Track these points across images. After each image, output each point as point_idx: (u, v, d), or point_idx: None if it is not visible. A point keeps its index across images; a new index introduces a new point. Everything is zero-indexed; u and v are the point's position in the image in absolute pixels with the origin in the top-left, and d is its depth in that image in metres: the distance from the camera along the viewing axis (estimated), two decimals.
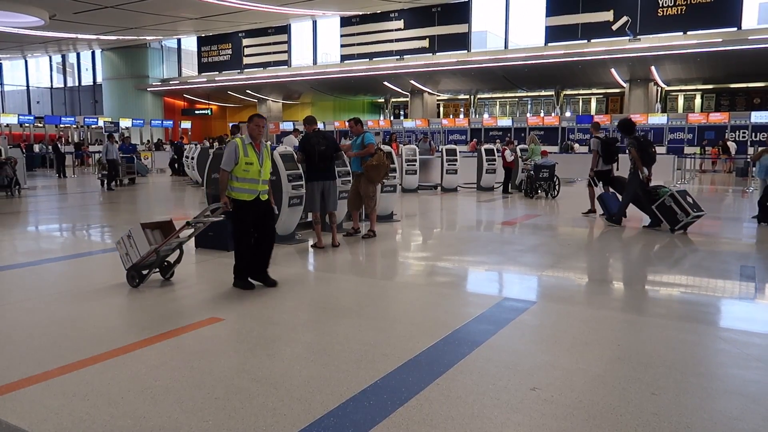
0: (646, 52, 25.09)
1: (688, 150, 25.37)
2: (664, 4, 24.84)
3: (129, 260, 5.37)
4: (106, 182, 16.46)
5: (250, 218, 5.31)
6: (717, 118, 27.46)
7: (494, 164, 15.09)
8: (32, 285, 5.76)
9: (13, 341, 4.05)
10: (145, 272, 5.43)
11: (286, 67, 34.65)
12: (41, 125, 32.75)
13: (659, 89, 30.92)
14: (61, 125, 33.31)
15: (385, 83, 33.27)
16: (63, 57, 43.66)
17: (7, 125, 31.10)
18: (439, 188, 15.46)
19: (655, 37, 25.13)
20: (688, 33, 24.67)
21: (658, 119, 28.27)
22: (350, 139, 8.43)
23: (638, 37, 25.30)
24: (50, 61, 44.29)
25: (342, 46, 32.65)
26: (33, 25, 26.05)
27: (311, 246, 7.49)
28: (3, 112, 38.72)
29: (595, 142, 10.21)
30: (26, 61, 44.08)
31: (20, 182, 15.29)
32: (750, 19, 24.74)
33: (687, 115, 28.34)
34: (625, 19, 25.45)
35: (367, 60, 31.90)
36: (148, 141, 33.49)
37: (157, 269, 5.56)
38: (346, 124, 8.23)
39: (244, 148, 5.27)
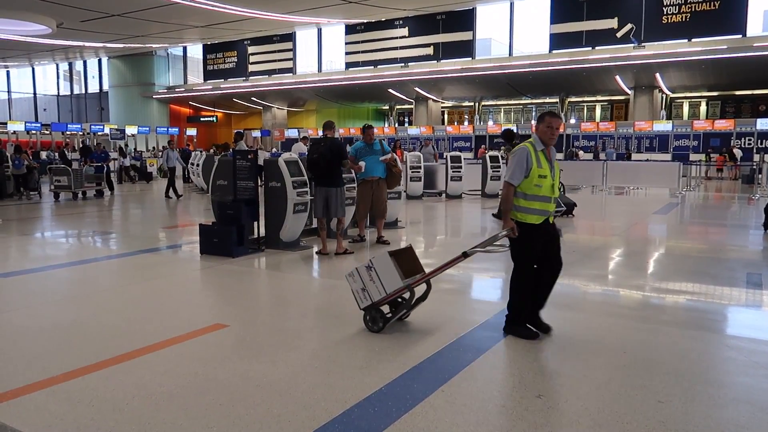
0: (650, 59, 25.08)
1: (693, 157, 25.30)
2: (669, 12, 24.85)
3: (367, 297, 4.24)
4: (164, 190, 15.91)
5: (538, 246, 4.14)
6: (722, 125, 27.40)
7: (499, 171, 15.08)
8: (37, 290, 5.77)
9: (19, 347, 4.06)
10: (389, 314, 4.30)
11: (291, 74, 34.79)
12: (48, 132, 32.93)
13: (664, 96, 30.88)
14: (68, 132, 33.49)
15: (390, 90, 33.35)
16: (70, 65, 43.96)
17: (14, 132, 31.29)
18: (443, 195, 15.46)
19: (659, 45, 25.13)
20: (693, 40, 24.66)
21: (663, 126, 28.23)
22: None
23: (643, 44, 25.30)
24: (57, 68, 44.60)
25: (347, 53, 32.77)
26: (40, 33, 26.27)
27: (316, 252, 7.49)
28: (10, 119, 38.97)
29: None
30: (33, 69, 44.40)
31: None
32: (755, 26, 24.73)
33: (692, 122, 28.29)
34: (629, 26, 25.47)
35: (372, 67, 32.00)
36: (154, 148, 33.61)
37: (406, 310, 4.37)
38: (362, 131, 8.10)
39: (536, 157, 4.07)
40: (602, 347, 4.02)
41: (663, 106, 31.06)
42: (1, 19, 23.38)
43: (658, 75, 26.87)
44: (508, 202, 4.09)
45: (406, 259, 4.34)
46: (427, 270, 4.41)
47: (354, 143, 8.07)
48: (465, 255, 4.12)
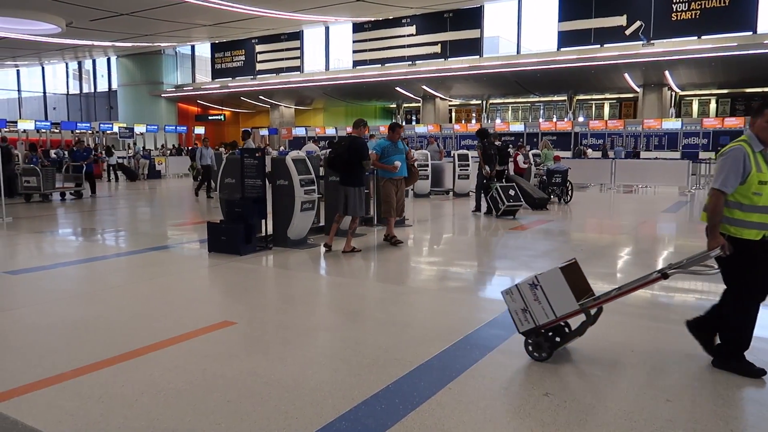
0: (659, 56, 24.90)
1: (702, 155, 25.11)
2: (678, 9, 24.66)
3: (529, 320, 3.68)
4: (196, 189, 15.68)
5: (762, 267, 3.45)
6: (732, 122, 27.16)
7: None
8: (47, 288, 5.82)
9: (29, 343, 4.09)
10: (558, 339, 3.75)
11: (299, 73, 34.83)
12: (57, 131, 33.15)
13: (673, 94, 30.67)
14: (77, 131, 33.70)
15: (397, 89, 33.32)
16: (79, 64, 44.19)
17: (25, 131, 31.52)
18: (451, 193, 15.44)
19: (669, 42, 24.94)
20: (703, 37, 24.47)
21: (673, 124, 28.03)
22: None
23: (652, 41, 25.13)
24: (66, 68, 44.85)
25: (354, 51, 32.76)
26: (50, 32, 26.42)
27: (323, 245, 7.51)
28: (20, 118, 39.25)
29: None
30: (43, 68, 44.68)
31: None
32: (765, 23, 24.48)
33: (702, 120, 28.06)
34: (638, 23, 25.30)
35: (379, 66, 31.97)
36: (162, 146, 33.74)
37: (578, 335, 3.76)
38: (390, 128, 8.06)
39: (755, 160, 3.39)
40: (610, 345, 4.01)
41: (672, 104, 30.85)
42: (12, 19, 23.53)
43: (667, 72, 26.68)
44: (717, 214, 3.38)
45: (573, 275, 3.76)
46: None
47: (377, 141, 8.00)
48: (664, 276, 3.52)
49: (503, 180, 11.70)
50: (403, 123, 37.98)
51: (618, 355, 3.82)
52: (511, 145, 14.59)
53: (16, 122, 33.86)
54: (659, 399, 3.14)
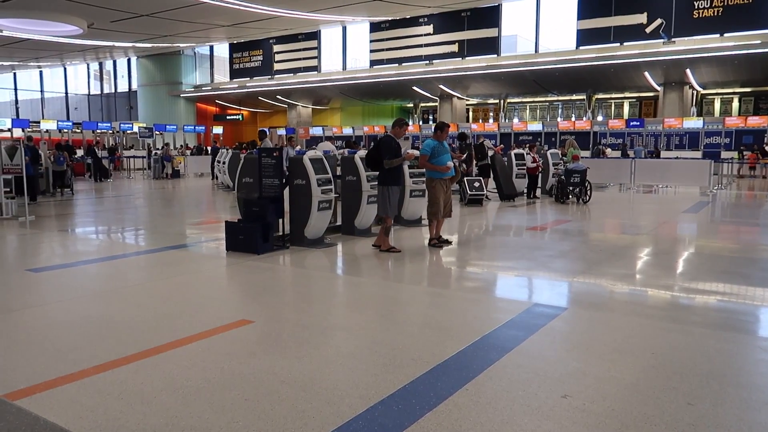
0: (681, 54, 24.55)
1: (725, 155, 24.72)
2: (700, 6, 24.29)
3: None
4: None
5: None
6: (755, 121, 26.70)
7: (524, 169, 14.95)
8: (69, 285, 5.91)
9: (51, 340, 4.15)
10: None
11: (316, 72, 34.95)
12: (79, 131, 33.66)
13: (695, 92, 30.22)
14: (98, 131, 34.18)
15: (414, 88, 33.28)
16: (100, 65, 44.81)
17: (47, 131, 32.07)
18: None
19: (690, 40, 24.58)
20: (725, 35, 24.08)
21: (694, 123, 27.63)
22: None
23: (673, 39, 24.79)
24: (88, 68, 45.50)
25: (371, 51, 32.78)
26: (72, 33, 26.81)
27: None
28: (43, 118, 39.91)
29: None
30: (65, 69, 45.37)
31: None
32: None
33: (724, 119, 27.63)
34: (659, 21, 24.97)
35: (396, 65, 31.96)
36: (181, 146, 34.07)
37: None
38: (436, 128, 7.75)
39: None
40: (630, 348, 3.95)
41: (693, 103, 30.41)
42: (35, 20, 23.92)
43: (688, 71, 26.30)
44: None
45: None
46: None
47: (425, 142, 7.88)
48: None
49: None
50: (420, 122, 37.92)
51: (638, 358, 3.76)
52: (486, 140, 15.91)
53: (39, 122, 34.48)
54: (681, 402, 3.08)
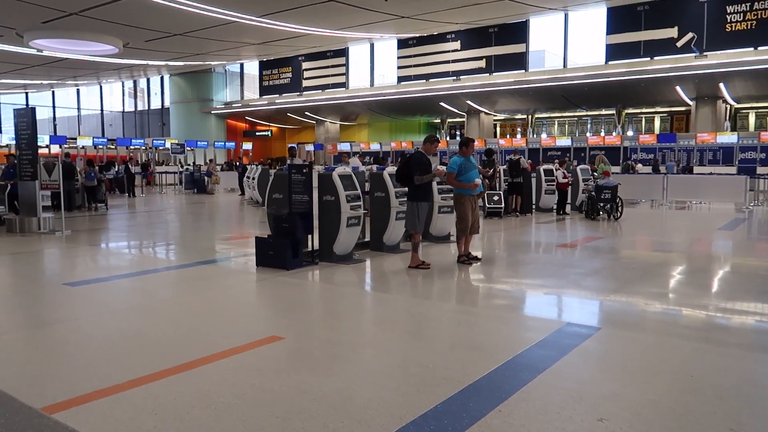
0: (714, 68, 24.11)
1: (761, 170, 24.08)
2: (733, 19, 23.87)
3: None
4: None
5: None
6: None
7: (553, 185, 14.81)
8: (103, 300, 6.02)
9: (86, 354, 4.23)
10: None
11: (344, 88, 35.29)
12: (113, 147, 34.53)
13: (728, 107, 29.62)
14: (131, 147, 35.01)
15: (441, 104, 33.31)
16: (134, 83, 45.99)
17: (83, 147, 32.98)
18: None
19: (723, 54, 24.13)
20: (760, 48, 23.60)
21: (728, 138, 27.04)
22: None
23: (705, 53, 24.38)
24: (123, 86, 46.73)
25: (399, 67, 32.98)
26: (108, 53, 27.60)
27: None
28: (79, 134, 41.04)
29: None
30: (101, 87, 46.67)
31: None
32: None
33: (759, 134, 26.95)
34: (690, 35, 24.60)
35: (424, 81, 32.07)
36: (211, 161, 34.66)
37: None
38: (462, 144, 7.80)
39: None
40: (667, 370, 3.85)
41: (727, 117, 29.79)
42: (74, 41, 24.73)
43: (721, 85, 25.81)
44: None
45: None
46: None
47: (451, 159, 7.89)
48: None
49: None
50: (447, 138, 37.90)
51: (676, 380, 3.66)
52: (523, 158, 15.35)
53: (75, 139, 35.46)
54: (722, 428, 2.99)
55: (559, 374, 3.75)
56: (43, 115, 48.19)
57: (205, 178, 24.95)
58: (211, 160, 29.54)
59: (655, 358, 4.09)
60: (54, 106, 48.25)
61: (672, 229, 12.96)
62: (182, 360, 3.98)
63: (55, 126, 47.15)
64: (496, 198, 13.47)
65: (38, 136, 11.89)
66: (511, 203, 14.02)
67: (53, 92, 47.48)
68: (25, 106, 35.36)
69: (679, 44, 24.84)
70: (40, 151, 14.66)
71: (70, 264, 8.37)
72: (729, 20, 23.92)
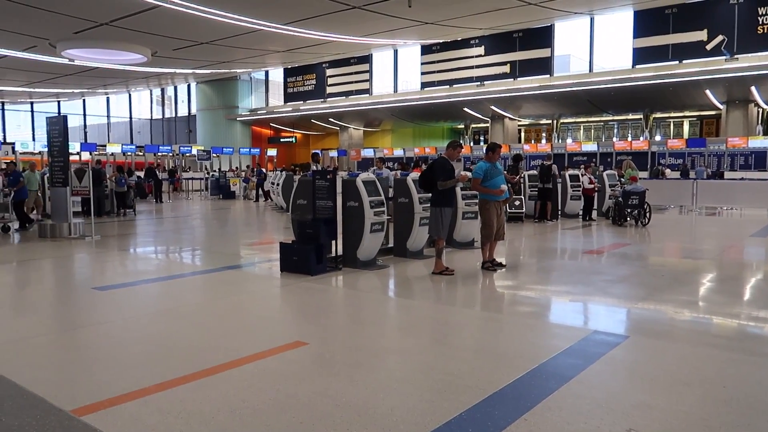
0: (745, 71, 23.60)
1: None
2: (765, 21, 23.36)
3: None
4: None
5: None
6: None
7: (579, 190, 14.63)
8: (131, 304, 6.11)
9: (114, 357, 4.29)
10: None
11: (368, 95, 35.43)
12: (141, 154, 35.19)
13: (760, 110, 28.96)
14: (159, 153, 35.63)
15: (465, 109, 33.21)
16: (162, 90, 46.84)
17: (112, 154, 33.68)
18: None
19: (754, 56, 23.62)
20: None
21: (760, 142, 26.43)
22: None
23: (736, 56, 23.89)
24: (151, 94, 47.64)
25: (422, 73, 32.99)
26: (137, 61, 28.17)
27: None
28: (109, 141, 41.92)
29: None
30: (130, 95, 47.64)
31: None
32: None
33: None
34: (720, 38, 24.13)
35: (447, 86, 32.03)
36: (236, 168, 35.06)
37: None
38: (488, 149, 7.82)
39: None
40: (698, 380, 3.76)
41: (759, 121, 29.12)
42: (104, 50, 25.31)
43: (753, 88, 25.24)
44: None
45: None
46: None
47: (477, 164, 7.88)
48: None
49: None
50: (471, 143, 37.76)
51: (708, 391, 3.57)
52: (555, 166, 15.11)
53: (105, 146, 36.24)
54: None
55: (586, 383, 3.69)
56: (74, 123, 49.32)
57: (243, 185, 25.54)
58: (248, 166, 29.99)
59: (685, 367, 4.00)
60: (85, 114, 49.36)
61: (702, 235, 12.68)
62: (208, 364, 4.02)
63: (85, 134, 48.22)
64: (517, 203, 13.55)
65: (69, 143, 12.16)
66: (538, 209, 13.88)
67: (84, 100, 48.57)
68: (57, 114, 36.24)
69: (708, 47, 24.38)
70: (72, 158, 15.01)
71: (99, 268, 8.52)
72: (761, 22, 23.42)
